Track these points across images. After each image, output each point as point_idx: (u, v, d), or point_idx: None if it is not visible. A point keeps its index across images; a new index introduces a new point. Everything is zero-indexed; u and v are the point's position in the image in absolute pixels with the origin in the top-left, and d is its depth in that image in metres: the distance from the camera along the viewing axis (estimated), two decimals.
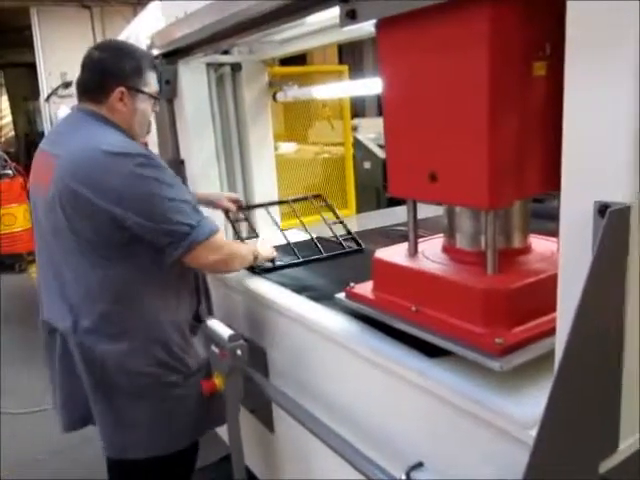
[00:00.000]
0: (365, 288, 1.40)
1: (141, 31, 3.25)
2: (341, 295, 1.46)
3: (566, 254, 0.87)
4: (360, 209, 3.77)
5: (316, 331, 1.52)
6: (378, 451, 1.27)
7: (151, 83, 1.66)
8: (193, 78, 2.21)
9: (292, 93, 2.42)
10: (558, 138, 0.97)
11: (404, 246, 1.38)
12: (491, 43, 0.99)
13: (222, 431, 2.35)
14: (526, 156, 1.09)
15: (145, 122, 1.70)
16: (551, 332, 1.01)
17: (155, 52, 2.19)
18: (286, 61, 2.89)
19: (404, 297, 1.26)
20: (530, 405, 0.97)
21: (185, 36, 1.92)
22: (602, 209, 0.78)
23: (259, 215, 2.38)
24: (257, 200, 2.42)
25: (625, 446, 0.91)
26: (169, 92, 2.19)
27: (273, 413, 1.87)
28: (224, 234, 1.69)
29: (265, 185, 2.44)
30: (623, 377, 0.87)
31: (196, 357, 1.68)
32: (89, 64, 1.61)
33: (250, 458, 1.98)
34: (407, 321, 1.23)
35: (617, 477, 0.90)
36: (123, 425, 1.60)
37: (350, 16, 1.17)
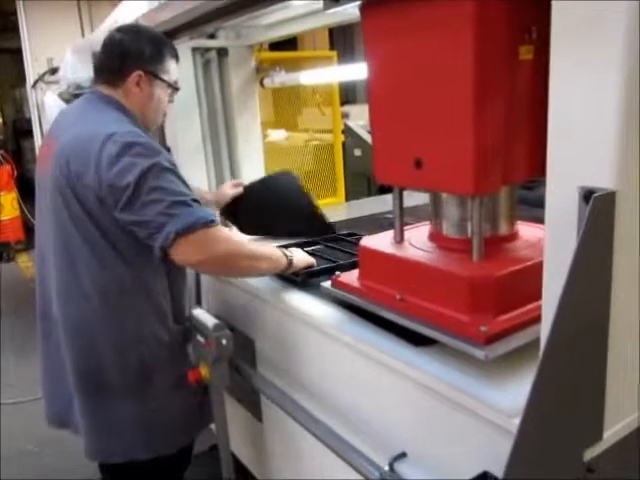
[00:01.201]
0: (351, 277, 1.38)
1: (127, 16, 3.20)
2: (327, 284, 1.44)
3: (551, 240, 0.86)
4: (351, 197, 3.75)
5: (303, 320, 1.51)
6: (364, 440, 1.26)
7: (171, 72, 1.63)
8: (179, 63, 2.16)
9: (279, 79, 2.39)
10: (545, 123, 0.95)
11: (390, 234, 1.36)
12: (476, 26, 0.97)
13: None
14: (512, 142, 1.07)
15: (160, 110, 1.65)
16: (537, 320, 1.00)
17: None
18: (276, 46, 2.85)
19: (389, 285, 1.24)
20: (515, 394, 0.96)
21: (169, 19, 1.88)
22: (587, 195, 0.76)
23: None
24: None
25: (609, 434, 0.90)
26: None
27: (261, 402, 1.87)
28: (227, 230, 1.53)
29: (253, 172, 2.42)
30: (608, 365, 0.86)
31: (186, 364, 1.62)
32: (109, 45, 1.58)
33: (238, 447, 1.98)
34: (392, 309, 1.22)
35: (601, 465, 0.90)
36: (107, 426, 1.57)
37: None
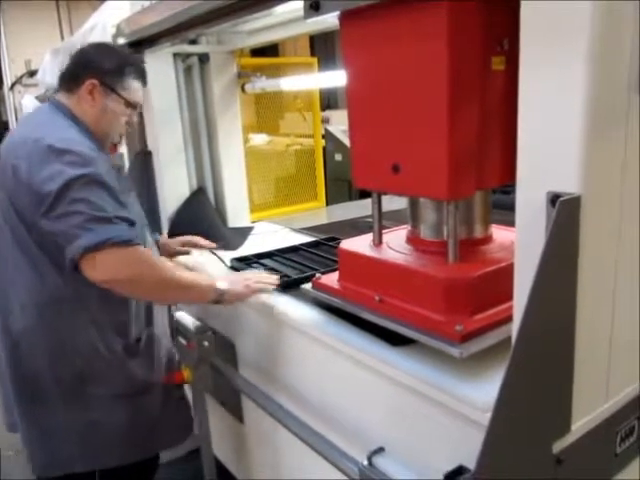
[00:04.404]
0: (331, 278, 1.41)
1: (107, 19, 3.20)
2: (307, 286, 1.47)
3: (521, 243, 0.90)
4: (332, 201, 3.79)
5: (283, 322, 1.54)
6: (345, 439, 1.29)
7: (131, 91, 1.60)
8: (160, 68, 2.18)
9: (260, 84, 2.41)
10: (516, 129, 0.99)
11: (369, 237, 1.39)
12: (450, 37, 1.01)
13: None
14: (485, 148, 1.12)
15: (115, 126, 1.61)
16: (510, 319, 1.03)
17: (121, 41, 2.16)
18: (258, 52, 2.88)
19: (368, 287, 1.28)
20: (488, 389, 1.00)
21: (151, 25, 1.89)
22: (554, 199, 0.80)
23: None
24: (226, 190, 2.41)
25: (577, 427, 0.94)
26: None
27: (242, 404, 1.88)
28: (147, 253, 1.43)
29: (234, 177, 2.44)
30: (575, 361, 0.90)
31: (130, 378, 1.58)
32: (75, 56, 1.60)
33: (220, 449, 1.99)
34: (371, 310, 1.25)
35: (570, 457, 0.94)
36: (44, 437, 1.54)
37: (314, 8, 1.18)
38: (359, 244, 1.39)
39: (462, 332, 1.06)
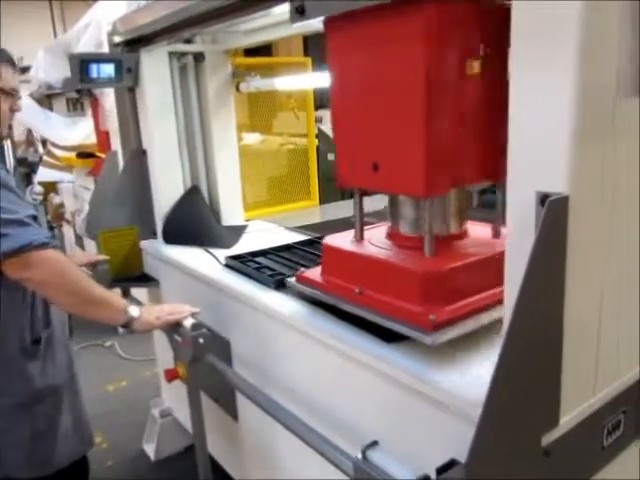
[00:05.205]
0: (315, 273, 1.47)
1: (102, 17, 3.20)
2: (292, 280, 1.52)
3: (512, 241, 0.93)
4: (325, 200, 3.81)
5: (276, 319, 1.55)
6: (339, 435, 1.31)
7: (3, 78, 1.55)
8: (155, 67, 2.19)
9: (255, 84, 2.43)
10: (492, 132, 1.12)
11: (352, 233, 1.44)
12: (427, 42, 1.06)
13: (185, 421, 2.36)
14: (460, 148, 1.17)
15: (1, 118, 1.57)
16: (482, 310, 1.17)
17: (117, 39, 2.16)
18: (251, 52, 2.89)
19: (349, 280, 1.33)
20: (479, 385, 1.02)
21: (148, 24, 1.90)
22: (543, 199, 0.83)
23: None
24: (221, 188, 2.42)
25: (565, 421, 0.97)
26: (131, 80, 2.17)
27: (237, 401, 1.90)
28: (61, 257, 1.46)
29: (228, 175, 2.45)
30: (563, 357, 0.93)
31: (27, 387, 1.57)
32: None
33: (214, 447, 2.00)
34: (351, 302, 1.31)
35: (558, 450, 0.96)
36: None
37: (299, 12, 1.22)
38: (341, 240, 1.44)
39: (435, 321, 1.12)
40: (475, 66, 1.13)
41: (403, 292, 1.20)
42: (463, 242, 1.33)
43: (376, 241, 1.39)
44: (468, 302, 1.19)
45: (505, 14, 0.97)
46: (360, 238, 1.42)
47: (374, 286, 1.26)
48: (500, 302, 1.11)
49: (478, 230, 1.39)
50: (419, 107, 1.09)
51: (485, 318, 1.17)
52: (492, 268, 1.14)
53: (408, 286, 1.20)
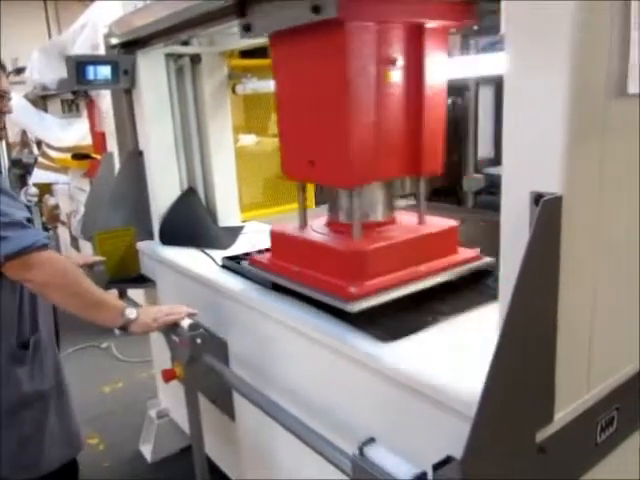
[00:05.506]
0: (265, 256, 1.66)
1: (98, 19, 3.21)
2: (245, 263, 1.72)
3: (506, 240, 0.94)
4: (321, 202, 3.81)
5: (273, 319, 1.56)
6: (336, 434, 1.31)
7: None
8: (152, 68, 2.20)
9: (251, 85, 2.44)
10: (411, 132, 1.41)
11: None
12: (346, 57, 1.26)
13: (182, 422, 2.37)
14: (381, 146, 1.37)
15: None
16: (397, 285, 1.38)
17: (113, 41, 2.17)
18: (247, 54, 2.89)
19: (290, 261, 1.53)
20: (474, 382, 1.03)
21: (144, 26, 1.91)
22: (537, 198, 0.85)
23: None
24: (217, 190, 2.43)
25: (559, 417, 0.99)
26: (127, 82, 2.17)
27: (234, 401, 1.91)
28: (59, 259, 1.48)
29: (225, 177, 2.45)
30: (557, 354, 0.94)
31: (15, 392, 1.57)
32: None
33: (211, 448, 2.01)
34: (292, 280, 1.51)
35: (552, 446, 0.98)
36: None
37: (246, 29, 1.42)
38: (287, 227, 1.64)
39: (355, 293, 1.32)
40: (393, 75, 1.36)
41: (332, 269, 1.40)
42: (389, 228, 1.53)
43: (316, 228, 1.59)
44: (387, 278, 1.38)
45: (419, 31, 1.36)
46: (303, 225, 1.61)
47: (310, 265, 1.46)
48: (418, 278, 1.42)
49: (407, 218, 1.61)
50: (343, 112, 1.30)
51: (402, 292, 1.38)
52: (411, 250, 1.45)
53: (336, 264, 1.40)
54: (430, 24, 1.36)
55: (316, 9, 1.20)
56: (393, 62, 1.34)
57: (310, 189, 3.65)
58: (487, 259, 1.55)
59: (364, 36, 1.27)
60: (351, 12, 1.22)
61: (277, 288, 1.57)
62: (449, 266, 1.48)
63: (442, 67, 1.43)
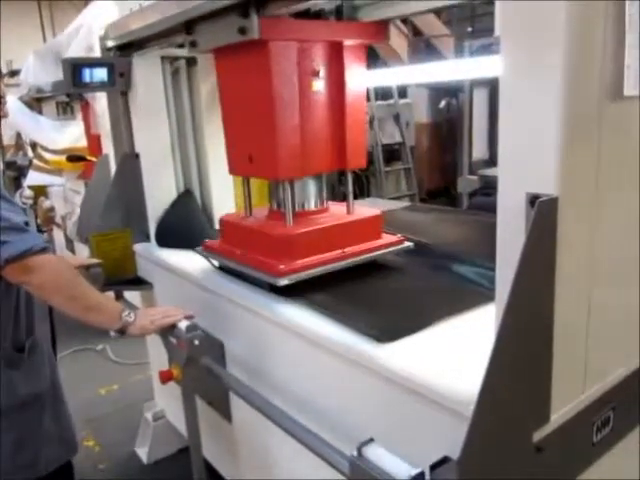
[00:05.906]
0: (216, 242, 1.87)
1: (94, 21, 3.20)
2: (199, 249, 1.90)
3: (502, 241, 0.95)
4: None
5: (268, 320, 1.56)
6: (334, 435, 1.32)
7: None
8: (148, 71, 2.19)
9: None
10: (335, 132, 1.66)
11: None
12: (272, 70, 1.48)
13: (179, 423, 2.36)
14: (307, 145, 1.59)
15: None
16: (321, 264, 1.60)
17: (109, 44, 2.17)
18: None
19: (236, 245, 1.76)
20: (472, 383, 1.04)
21: (140, 29, 1.91)
22: (533, 200, 0.85)
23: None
24: (213, 192, 2.43)
25: (556, 417, 0.99)
26: (123, 84, 2.17)
27: (231, 403, 1.90)
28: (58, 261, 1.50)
29: (221, 178, 2.45)
30: (553, 355, 0.95)
31: (11, 396, 1.56)
32: None
33: (208, 449, 2.00)
34: (238, 262, 1.72)
35: (549, 445, 0.98)
36: None
37: (193, 45, 1.64)
38: (234, 216, 1.92)
39: (283, 270, 1.55)
40: (316, 85, 1.59)
41: (267, 251, 1.62)
42: (319, 216, 1.74)
43: (259, 216, 1.81)
44: (314, 258, 1.60)
45: (339, 47, 1.60)
46: (249, 214, 1.83)
47: (251, 248, 1.68)
48: (343, 258, 1.64)
49: (338, 208, 1.81)
50: (271, 116, 1.52)
51: (326, 269, 1.60)
52: (337, 234, 1.67)
53: (268, 246, 1.64)
54: (347, 42, 1.61)
55: (242, 30, 1.41)
56: (316, 74, 1.57)
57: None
58: (407, 243, 1.79)
59: (286, 52, 1.49)
60: (273, 33, 1.44)
61: (223, 269, 1.83)
62: (373, 249, 1.72)
63: (361, 77, 1.69)
